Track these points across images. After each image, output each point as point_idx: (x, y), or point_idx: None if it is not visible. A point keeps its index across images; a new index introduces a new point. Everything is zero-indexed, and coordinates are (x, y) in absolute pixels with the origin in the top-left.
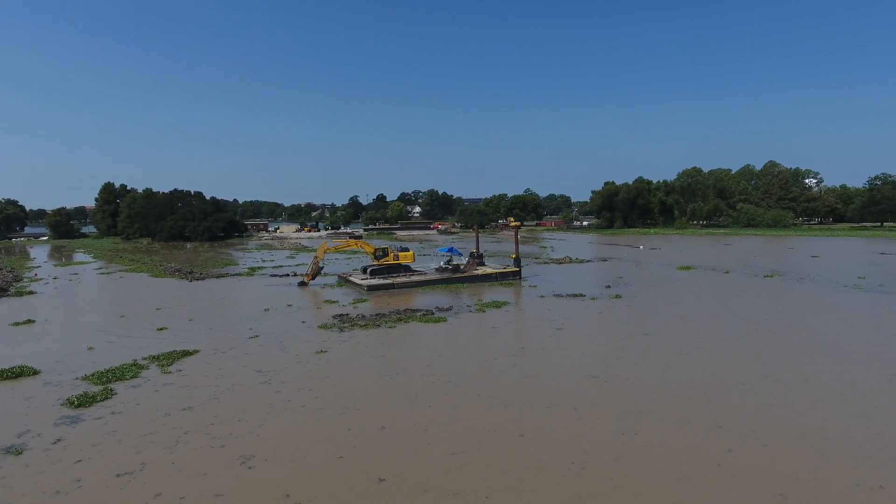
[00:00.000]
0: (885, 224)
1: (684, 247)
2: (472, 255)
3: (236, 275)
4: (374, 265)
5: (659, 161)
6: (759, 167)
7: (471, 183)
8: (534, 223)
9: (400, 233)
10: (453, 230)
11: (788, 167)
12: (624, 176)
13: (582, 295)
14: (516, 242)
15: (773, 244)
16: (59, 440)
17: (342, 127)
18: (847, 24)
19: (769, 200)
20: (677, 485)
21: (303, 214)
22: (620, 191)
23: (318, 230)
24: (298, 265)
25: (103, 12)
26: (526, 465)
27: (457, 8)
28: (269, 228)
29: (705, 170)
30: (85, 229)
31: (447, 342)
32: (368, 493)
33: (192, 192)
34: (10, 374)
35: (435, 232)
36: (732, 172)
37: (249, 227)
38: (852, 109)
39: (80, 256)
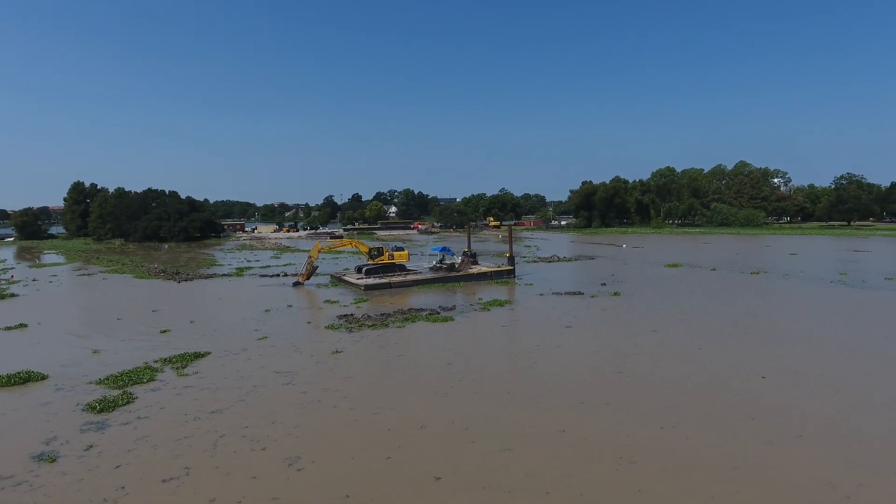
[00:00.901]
0: (851, 223)
1: (664, 245)
2: (465, 253)
3: (224, 275)
4: (369, 264)
5: (632, 161)
6: (730, 167)
7: (445, 183)
8: (512, 222)
9: (380, 233)
10: (433, 230)
11: (758, 167)
12: (597, 175)
13: (580, 293)
14: (510, 241)
15: (750, 242)
16: (90, 446)
17: (315, 126)
18: (814, 27)
19: (741, 200)
20: (731, 474)
21: (276, 214)
22: (598, 190)
23: (297, 230)
24: (286, 265)
25: (66, 3)
26: (575, 460)
27: (436, 8)
28: (246, 228)
29: (678, 169)
30: (51, 230)
31: (460, 341)
32: (428, 492)
33: (167, 192)
34: (17, 379)
35: (415, 232)
36: (705, 172)
37: (226, 227)
38: (818, 111)
39: (52, 258)
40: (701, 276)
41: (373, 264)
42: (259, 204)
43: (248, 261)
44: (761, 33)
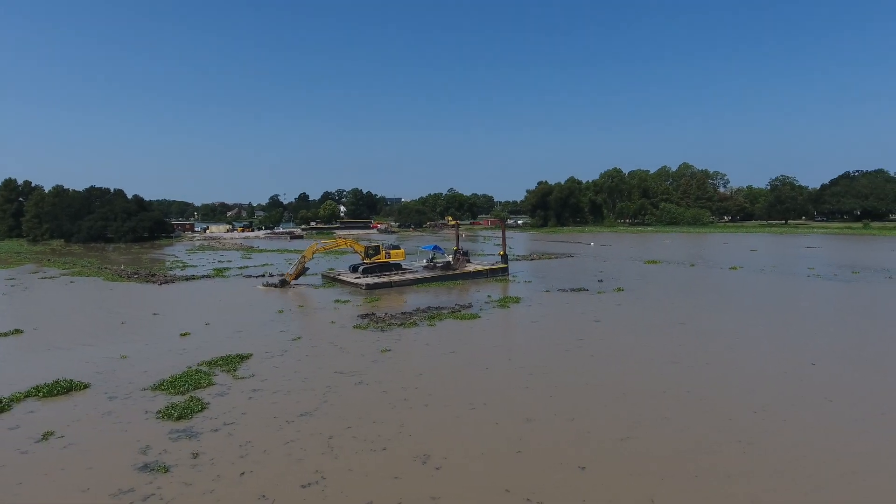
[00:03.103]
0: (788, 221)
1: (629, 243)
2: (456, 252)
3: (205, 277)
4: (365, 263)
5: (577, 162)
6: (674, 168)
7: (392, 182)
8: (468, 222)
9: (339, 232)
10: (393, 229)
11: (700, 168)
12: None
13: (584, 289)
14: (503, 239)
15: (706, 240)
16: (196, 454)
17: (253, 124)
18: (746, 29)
19: (688, 200)
20: (849, 454)
21: (217, 214)
22: (554, 190)
23: (252, 230)
24: (263, 265)
25: None
26: (701, 444)
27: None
28: (196, 228)
29: (624, 170)
30: None
31: (501, 336)
32: (581, 482)
33: (113, 190)
34: (58, 388)
35: (375, 231)
36: (651, 173)
37: (176, 227)
38: (752, 114)
39: None
40: (684, 271)
41: (369, 263)
42: (197, 203)
43: (220, 262)
44: (688, 35)
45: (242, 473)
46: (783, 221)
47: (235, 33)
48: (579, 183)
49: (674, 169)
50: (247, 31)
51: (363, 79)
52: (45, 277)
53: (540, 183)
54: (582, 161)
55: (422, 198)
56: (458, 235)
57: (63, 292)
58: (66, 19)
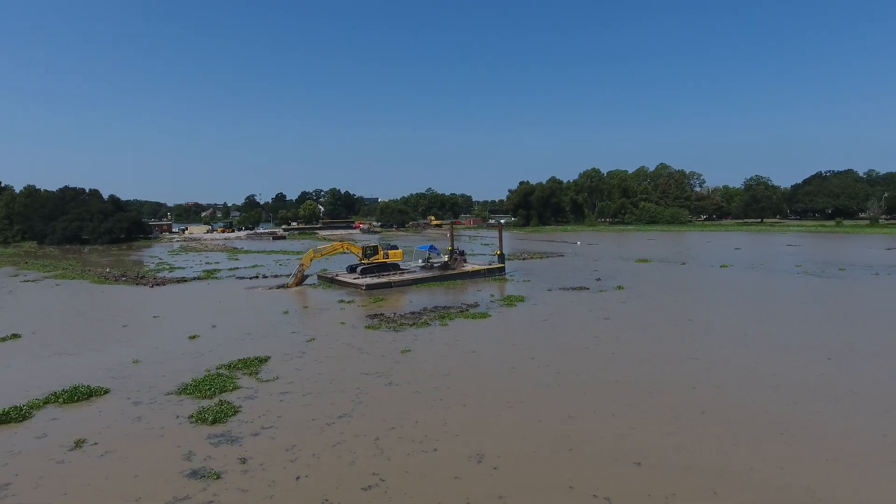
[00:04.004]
0: (764, 220)
1: (614, 242)
2: (453, 251)
3: (195, 279)
4: (363, 264)
5: (556, 161)
6: (652, 168)
7: (369, 182)
8: (449, 222)
9: (322, 232)
10: (375, 229)
11: (676, 168)
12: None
13: (585, 288)
14: (500, 240)
15: (688, 239)
16: (244, 459)
17: (226, 123)
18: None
19: (667, 199)
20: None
21: (191, 214)
22: (535, 190)
23: (233, 230)
24: (253, 267)
25: None
26: (744, 436)
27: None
28: (174, 229)
29: (603, 170)
30: None
31: (516, 335)
32: (642, 477)
33: (88, 191)
34: (79, 394)
35: (358, 231)
36: (629, 173)
37: (154, 228)
38: (727, 115)
39: None
40: (676, 270)
41: (368, 263)
42: (170, 204)
43: (207, 263)
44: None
45: (298, 478)
46: (759, 220)
47: (206, 29)
48: (560, 183)
49: (651, 169)
50: (218, 28)
51: (338, 78)
52: (28, 281)
53: (522, 183)
54: (560, 161)
55: (403, 197)
56: (452, 236)
57: (51, 295)
58: (34, 14)
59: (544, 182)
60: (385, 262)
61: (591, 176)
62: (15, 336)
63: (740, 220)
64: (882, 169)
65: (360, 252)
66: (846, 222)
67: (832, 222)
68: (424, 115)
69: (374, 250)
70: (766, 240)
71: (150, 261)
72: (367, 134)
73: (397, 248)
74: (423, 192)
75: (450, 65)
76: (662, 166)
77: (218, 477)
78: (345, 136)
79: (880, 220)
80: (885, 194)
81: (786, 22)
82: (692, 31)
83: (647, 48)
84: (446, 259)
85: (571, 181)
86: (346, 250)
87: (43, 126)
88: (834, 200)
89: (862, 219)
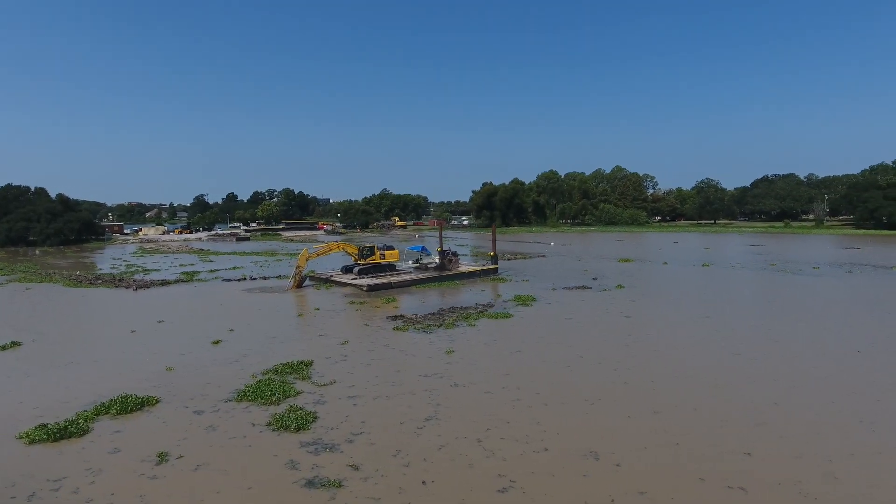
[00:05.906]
0: (717, 221)
1: (584, 242)
2: (445, 252)
3: (178, 281)
4: (360, 264)
5: (512, 163)
6: (608, 170)
7: (320, 183)
8: (412, 222)
9: (286, 233)
10: (339, 230)
11: (631, 171)
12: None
13: (587, 287)
14: (493, 240)
15: (653, 239)
16: (355, 466)
17: (168, 120)
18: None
19: (625, 201)
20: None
21: (135, 214)
22: (499, 191)
23: (191, 231)
24: (233, 269)
25: None
26: (819, 427)
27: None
28: (126, 230)
29: (560, 172)
30: None
31: (551, 334)
32: (759, 467)
33: (33, 189)
34: (131, 404)
35: (322, 232)
36: (586, 175)
37: (105, 229)
38: (678, 120)
39: None
40: (662, 269)
41: (365, 264)
42: (110, 204)
43: (181, 265)
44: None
45: (423, 482)
46: (713, 221)
47: (144, 20)
48: (522, 184)
49: (608, 171)
50: (158, 20)
51: (286, 76)
52: None
53: (485, 184)
54: (516, 163)
55: (366, 198)
56: (440, 234)
57: (29, 301)
58: None
59: (507, 183)
60: (381, 262)
61: (550, 178)
62: (15, 344)
63: (694, 222)
64: (821, 173)
65: (357, 252)
66: (793, 223)
67: (780, 223)
68: (377, 113)
69: (371, 251)
70: (726, 240)
71: (112, 263)
72: (317, 133)
73: (394, 249)
74: (378, 192)
75: (399, 63)
76: (618, 168)
77: (340, 485)
78: (296, 136)
79: (825, 222)
80: (828, 197)
81: (729, 29)
82: (634, 37)
83: (604, 52)
84: (436, 259)
85: (532, 182)
86: (341, 251)
87: None
88: (780, 203)
89: (806, 220)
